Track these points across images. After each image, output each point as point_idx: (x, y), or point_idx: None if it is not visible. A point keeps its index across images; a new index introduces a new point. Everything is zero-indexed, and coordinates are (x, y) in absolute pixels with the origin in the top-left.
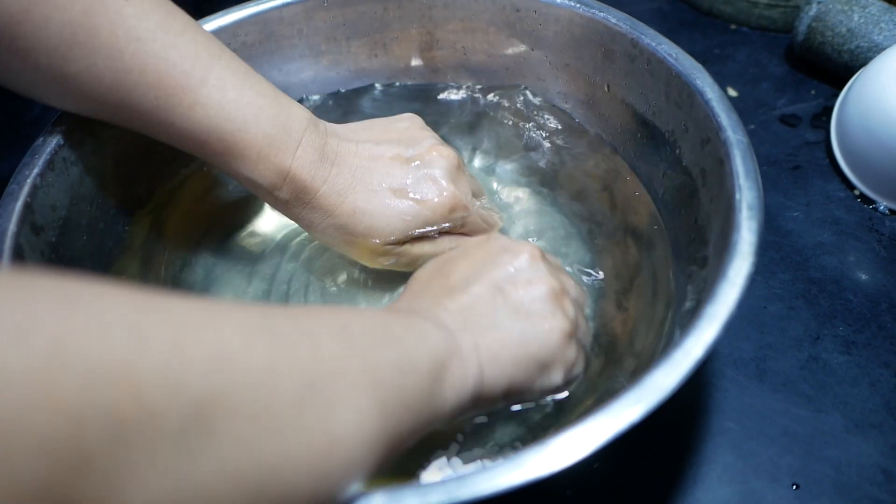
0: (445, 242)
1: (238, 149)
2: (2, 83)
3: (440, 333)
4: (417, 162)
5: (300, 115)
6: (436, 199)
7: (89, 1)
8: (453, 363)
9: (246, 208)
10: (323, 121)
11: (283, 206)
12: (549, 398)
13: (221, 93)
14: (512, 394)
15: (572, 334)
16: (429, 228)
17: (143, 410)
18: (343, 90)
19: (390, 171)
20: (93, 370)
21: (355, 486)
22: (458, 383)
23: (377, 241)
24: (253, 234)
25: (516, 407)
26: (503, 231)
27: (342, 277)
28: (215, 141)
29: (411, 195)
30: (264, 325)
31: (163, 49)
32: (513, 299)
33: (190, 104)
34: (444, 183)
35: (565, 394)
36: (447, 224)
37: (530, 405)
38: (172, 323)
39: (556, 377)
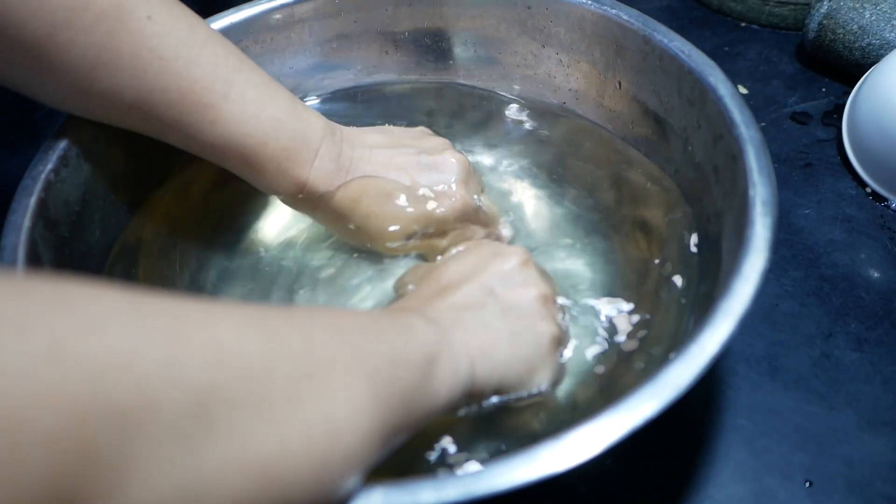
0: (455, 236)
1: (258, 162)
2: (25, 94)
3: (429, 329)
4: (429, 165)
5: (317, 125)
6: (447, 205)
7: (113, 22)
8: (443, 358)
9: (258, 203)
10: (339, 126)
11: (299, 207)
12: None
13: (242, 107)
14: (501, 392)
15: (561, 340)
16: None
17: (145, 402)
18: (354, 88)
19: (402, 177)
20: (94, 364)
21: (354, 480)
22: (450, 378)
23: (389, 239)
24: (265, 229)
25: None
26: (512, 223)
27: (352, 274)
28: (235, 154)
29: (423, 201)
30: (256, 322)
31: (185, 67)
32: (504, 301)
33: (211, 120)
34: (454, 188)
35: (546, 386)
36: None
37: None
38: (169, 319)
39: (544, 379)
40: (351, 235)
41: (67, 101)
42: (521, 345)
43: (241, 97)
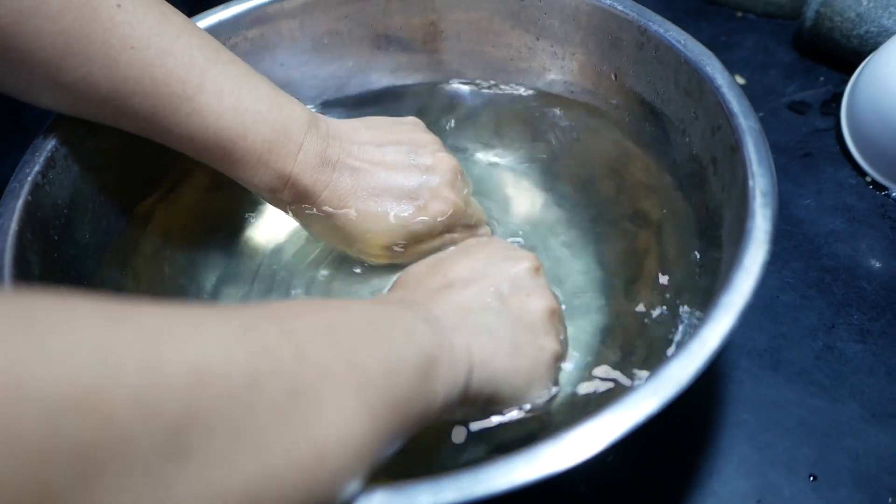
0: (442, 242)
1: (238, 155)
2: (2, 91)
3: (429, 328)
4: (419, 168)
5: (300, 116)
6: (437, 208)
7: (81, 10)
8: (443, 359)
9: (250, 205)
10: (323, 118)
11: (284, 207)
12: (523, 412)
13: (219, 99)
14: (493, 403)
15: (561, 357)
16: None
17: (114, 439)
18: (345, 83)
19: (392, 176)
20: (58, 402)
21: (352, 488)
22: (449, 380)
23: (376, 242)
24: (257, 231)
25: (496, 419)
26: (491, 225)
27: (345, 275)
28: (214, 148)
29: (413, 202)
30: (246, 331)
31: (158, 56)
32: (510, 308)
33: (187, 113)
34: (445, 191)
35: (541, 402)
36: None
37: (504, 419)
38: (147, 338)
39: (539, 396)
40: (336, 238)
41: (43, 95)
42: (522, 357)
43: (218, 89)
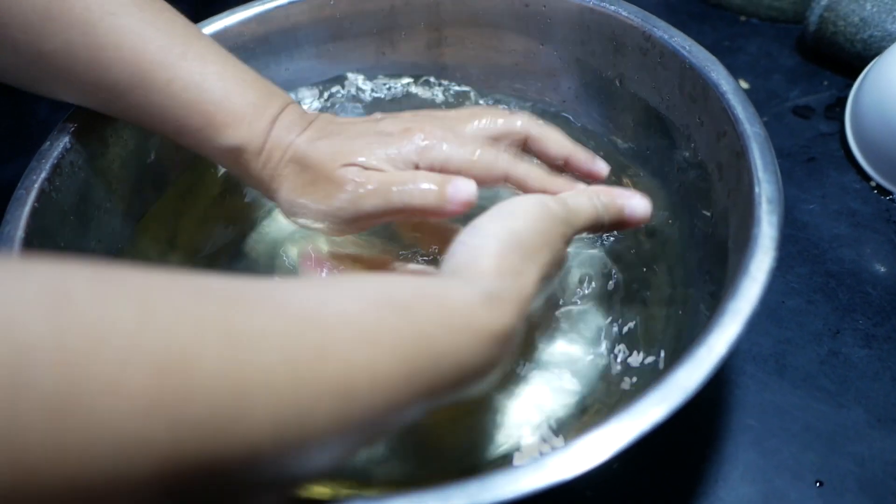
0: (420, 174)
1: (220, 118)
2: None
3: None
4: (391, 119)
5: (281, 91)
6: (400, 128)
7: None
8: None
9: (256, 213)
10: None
11: (258, 171)
12: None
13: (201, 66)
14: None
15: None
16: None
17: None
18: (349, 90)
19: (368, 127)
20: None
21: None
22: None
23: (338, 162)
24: (262, 238)
25: None
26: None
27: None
28: (196, 114)
29: (389, 137)
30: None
31: (138, 24)
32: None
33: (168, 79)
34: (417, 122)
35: None
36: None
37: None
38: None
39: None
40: (323, 197)
41: (24, 68)
42: None
43: (201, 57)
